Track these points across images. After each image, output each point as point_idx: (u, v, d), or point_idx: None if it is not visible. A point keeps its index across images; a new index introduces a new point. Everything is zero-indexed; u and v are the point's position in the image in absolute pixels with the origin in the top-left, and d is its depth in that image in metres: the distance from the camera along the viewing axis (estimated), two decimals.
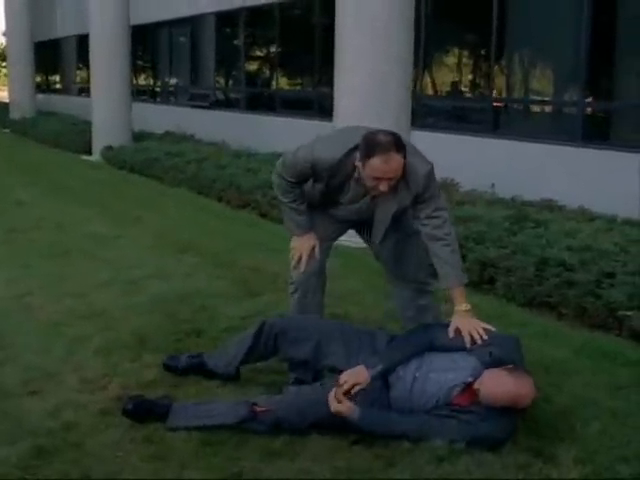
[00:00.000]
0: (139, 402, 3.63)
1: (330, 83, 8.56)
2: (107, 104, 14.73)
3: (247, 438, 3.42)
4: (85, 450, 3.34)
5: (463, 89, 12.36)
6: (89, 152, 15.34)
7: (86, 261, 6.64)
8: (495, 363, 3.44)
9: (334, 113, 7.66)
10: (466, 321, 3.67)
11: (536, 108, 11.24)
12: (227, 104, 17.83)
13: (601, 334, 4.94)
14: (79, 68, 26.79)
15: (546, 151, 9.54)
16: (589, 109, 9.78)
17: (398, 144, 3.57)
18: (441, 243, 3.76)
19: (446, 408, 3.45)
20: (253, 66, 18.13)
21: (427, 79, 12.57)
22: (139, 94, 20.66)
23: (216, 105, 17.95)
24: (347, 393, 3.40)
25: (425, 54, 11.81)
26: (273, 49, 16.62)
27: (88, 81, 17.40)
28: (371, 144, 3.56)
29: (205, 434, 3.43)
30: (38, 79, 26.66)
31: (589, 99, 9.69)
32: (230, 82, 18.77)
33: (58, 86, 30.11)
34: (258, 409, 3.48)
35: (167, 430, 3.49)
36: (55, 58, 28.90)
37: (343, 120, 7.30)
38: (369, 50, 7.18)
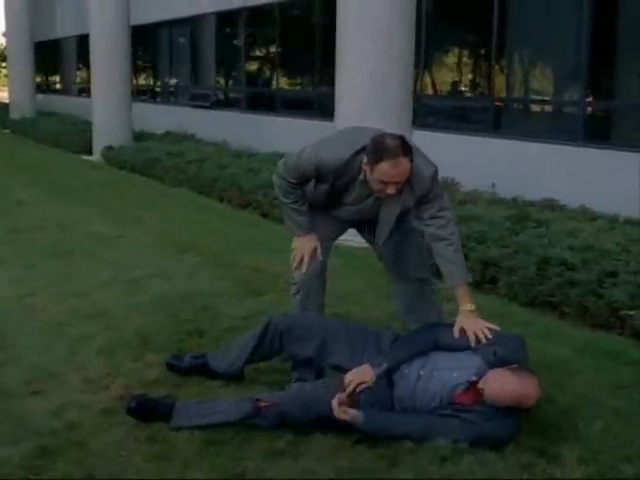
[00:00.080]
0: (142, 400, 3.64)
1: (330, 83, 8.57)
2: (107, 104, 14.74)
3: (250, 438, 3.42)
4: (89, 450, 3.34)
5: (464, 89, 12.36)
6: (89, 152, 15.35)
7: (88, 261, 6.64)
8: (499, 363, 3.44)
9: (335, 113, 7.66)
10: (471, 321, 3.68)
11: (537, 108, 11.24)
12: (228, 104, 17.83)
13: (603, 333, 4.95)
14: (79, 68, 26.80)
15: (547, 151, 9.54)
16: (590, 109, 9.78)
17: (406, 148, 3.59)
18: (445, 243, 3.77)
19: (449, 407, 3.45)
20: (254, 66, 18.13)
21: (428, 79, 12.57)
22: (139, 94, 20.66)
23: (217, 105, 17.95)
24: (352, 394, 3.40)
25: (426, 54, 11.81)
26: (273, 49, 16.63)
27: (88, 81, 17.41)
28: (379, 148, 3.57)
29: (208, 434, 3.43)
30: (38, 79, 26.64)
31: (590, 99, 9.69)
32: (231, 82, 18.77)
33: (58, 86, 30.10)
34: (262, 404, 3.48)
35: (171, 430, 3.49)
36: (55, 58, 28.89)
37: (344, 120, 7.30)
38: (370, 50, 7.18)
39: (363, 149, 3.66)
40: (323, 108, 13.42)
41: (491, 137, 10.44)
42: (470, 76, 12.36)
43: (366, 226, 4.08)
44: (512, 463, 3.23)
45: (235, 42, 17.70)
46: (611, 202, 7.96)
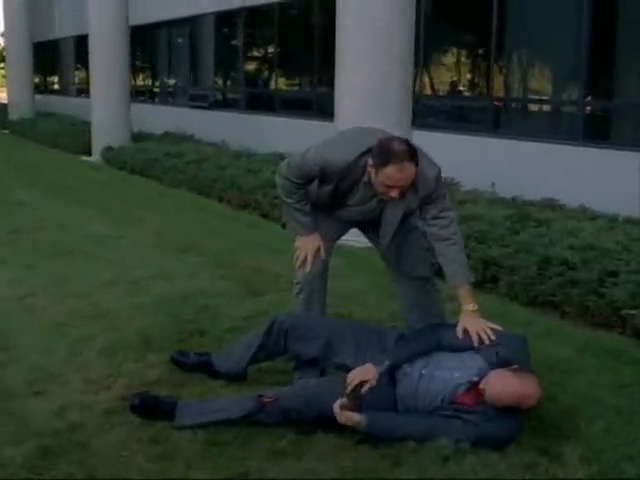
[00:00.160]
0: (145, 398, 3.65)
1: (329, 83, 8.58)
2: (106, 104, 14.72)
3: (253, 438, 3.42)
4: (91, 450, 3.34)
5: (464, 89, 12.37)
6: (88, 153, 15.34)
7: (88, 261, 6.64)
8: (501, 363, 3.45)
9: (335, 113, 7.66)
10: (474, 321, 3.68)
11: (536, 107, 11.25)
12: (226, 104, 17.83)
13: (604, 333, 4.95)
14: (77, 69, 26.79)
15: (546, 150, 9.55)
16: (589, 108, 9.79)
17: (412, 153, 3.59)
18: (448, 242, 3.78)
19: (451, 407, 3.45)
20: (252, 66, 18.13)
21: (428, 79, 12.57)
22: (138, 95, 20.65)
23: (215, 105, 17.95)
24: (354, 394, 3.40)
25: (425, 54, 11.81)
26: (272, 49, 16.62)
27: (86, 82, 17.41)
28: (386, 152, 3.58)
29: (211, 434, 3.43)
30: (36, 80, 26.63)
31: (589, 98, 9.69)
32: (229, 82, 18.77)
33: (56, 87, 30.09)
34: (265, 400, 3.49)
35: (174, 429, 3.48)
36: (53, 59, 28.89)
37: (344, 120, 7.30)
38: (370, 50, 7.18)
39: (369, 151, 3.66)
40: (322, 108, 13.44)
41: (491, 137, 10.44)
42: (470, 76, 12.37)
43: (369, 226, 4.08)
44: (514, 463, 3.23)
45: (234, 42, 17.70)
46: (611, 201, 7.96)
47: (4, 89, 29.13)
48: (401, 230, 3.96)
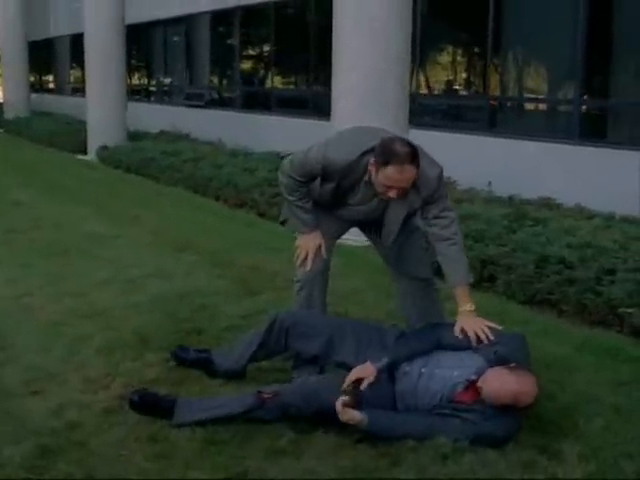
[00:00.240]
0: (145, 394, 3.66)
1: (325, 82, 8.57)
2: (102, 103, 14.69)
3: (251, 436, 3.41)
4: (89, 449, 3.34)
5: (460, 87, 12.37)
6: (84, 152, 15.31)
7: (85, 260, 6.63)
8: (500, 361, 3.45)
9: (332, 112, 7.66)
10: (472, 321, 3.69)
11: (533, 106, 11.26)
12: (222, 103, 17.82)
13: (602, 331, 4.96)
14: (72, 68, 26.74)
15: (543, 149, 9.55)
16: (586, 107, 9.79)
17: (414, 156, 3.59)
18: (448, 242, 3.78)
19: (449, 406, 3.45)
20: (248, 65, 18.12)
21: (424, 78, 12.57)
22: (133, 93, 20.61)
23: (211, 104, 17.93)
24: (354, 393, 3.40)
25: (422, 53, 11.81)
26: (268, 48, 16.61)
27: (82, 81, 17.38)
28: (388, 152, 3.58)
29: (209, 432, 3.43)
30: (31, 79, 26.57)
31: (586, 97, 9.70)
32: (225, 81, 18.75)
33: (51, 86, 30.04)
34: (265, 396, 3.49)
35: (173, 427, 3.48)
36: (48, 58, 28.83)
37: (341, 119, 7.31)
38: (367, 50, 7.19)
39: (371, 150, 3.66)
40: (318, 107, 13.44)
41: (487, 136, 10.44)
42: (466, 75, 12.38)
43: (371, 226, 4.08)
44: (513, 461, 3.24)
45: (230, 41, 17.68)
46: (607, 200, 7.98)
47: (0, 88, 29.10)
48: (403, 230, 3.95)
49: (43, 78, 30.92)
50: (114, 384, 4.00)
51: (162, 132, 16.84)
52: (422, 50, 11.76)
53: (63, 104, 24.87)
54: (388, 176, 3.59)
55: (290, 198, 3.99)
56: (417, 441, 3.33)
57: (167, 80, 21.12)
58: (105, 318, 5.07)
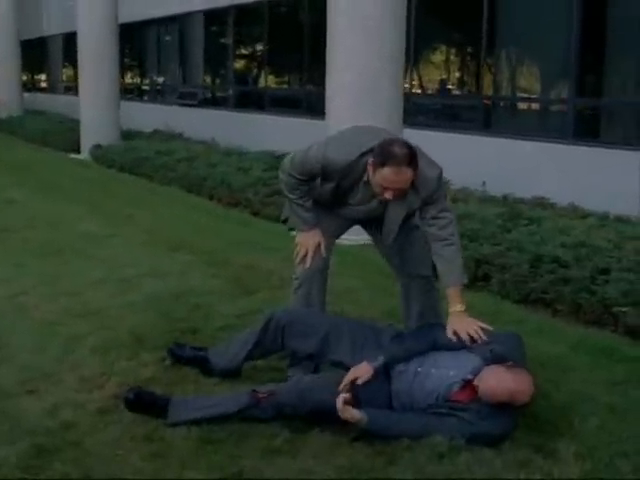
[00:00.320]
0: (140, 392, 3.65)
1: (319, 81, 8.56)
2: (95, 102, 14.66)
3: (247, 436, 3.41)
4: (85, 449, 3.33)
5: (454, 87, 12.39)
6: (77, 151, 15.28)
7: (79, 260, 6.61)
8: (496, 360, 3.46)
9: (326, 111, 7.66)
10: (464, 322, 3.70)
11: (527, 106, 11.27)
12: (216, 102, 17.80)
13: (596, 330, 4.96)
14: (65, 66, 26.69)
15: (537, 149, 9.57)
16: (580, 107, 9.80)
17: (412, 159, 3.59)
18: (445, 243, 3.80)
19: (445, 405, 3.46)
20: (242, 64, 18.11)
21: (418, 77, 12.58)
22: (126, 92, 20.59)
23: (205, 103, 17.91)
24: (352, 390, 3.40)
25: (416, 52, 11.82)
26: (262, 47, 16.60)
27: (74, 80, 17.34)
28: (386, 153, 3.58)
29: (205, 432, 3.42)
30: (24, 78, 26.50)
31: (579, 97, 9.71)
32: (219, 80, 18.73)
33: (44, 85, 29.97)
34: (260, 395, 3.49)
35: (168, 426, 3.48)
36: (41, 56, 28.77)
37: (335, 118, 7.32)
38: (362, 49, 7.19)
39: (370, 151, 3.67)
40: (312, 106, 13.45)
41: (481, 135, 10.46)
42: (460, 74, 12.39)
43: (372, 224, 4.08)
44: (509, 460, 3.24)
45: (223, 40, 17.67)
46: (601, 200, 8.00)
47: None
48: (403, 229, 3.96)
49: (36, 77, 30.85)
50: (109, 384, 3.99)
51: (155, 131, 16.81)
52: (416, 49, 11.76)
53: (56, 103, 24.81)
54: (385, 177, 3.60)
55: (290, 196, 3.99)
56: (413, 440, 3.33)
57: (160, 79, 21.10)
58: (100, 317, 5.05)
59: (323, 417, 3.44)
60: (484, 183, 9.15)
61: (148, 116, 18.61)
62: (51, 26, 26.63)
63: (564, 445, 3.34)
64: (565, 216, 7.24)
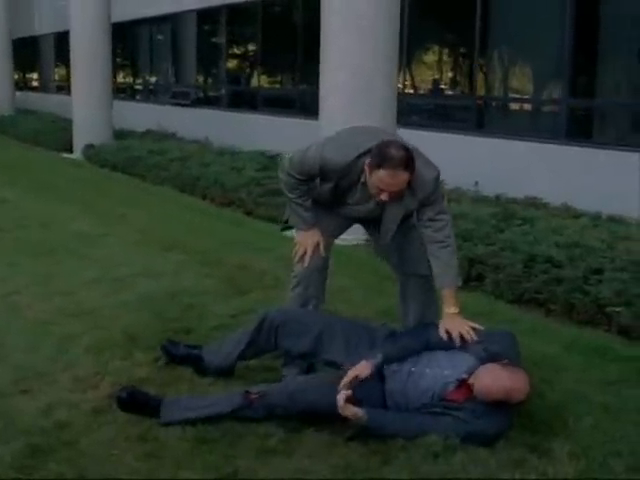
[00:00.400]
0: (133, 391, 3.65)
1: (312, 81, 8.55)
2: (88, 102, 14.62)
3: (242, 436, 3.41)
4: (79, 449, 3.32)
5: (447, 87, 12.40)
6: (70, 150, 15.24)
7: (72, 259, 6.60)
8: (491, 358, 3.47)
9: (320, 111, 7.65)
10: (456, 322, 3.72)
11: (520, 106, 11.29)
12: (209, 102, 17.78)
13: (590, 330, 4.97)
14: (57, 66, 26.64)
15: (530, 149, 9.59)
16: (572, 107, 9.83)
17: (408, 162, 3.59)
18: (440, 245, 3.81)
19: (440, 404, 3.46)
20: (235, 64, 18.09)
21: (412, 77, 12.59)
22: (119, 92, 20.55)
23: (197, 103, 17.90)
24: (351, 384, 3.41)
25: (409, 52, 11.83)
26: (255, 47, 16.59)
27: (67, 79, 17.29)
28: (382, 155, 3.58)
29: (200, 432, 3.42)
30: (15, 77, 26.43)
31: (572, 97, 9.73)
32: (212, 80, 18.72)
33: (35, 84, 29.90)
34: (252, 396, 3.49)
35: (161, 425, 3.48)
36: (33, 56, 28.70)
37: (329, 118, 7.32)
38: (355, 48, 7.18)
39: (368, 152, 3.67)
40: (305, 106, 13.45)
41: (474, 135, 10.47)
42: (453, 74, 12.40)
43: (371, 224, 4.09)
44: (504, 459, 3.25)
45: (216, 40, 17.65)
46: (593, 200, 8.02)
47: None
48: (401, 229, 3.96)
49: (27, 76, 30.77)
50: (103, 383, 3.98)
51: (148, 131, 16.78)
52: (409, 49, 11.77)
53: (48, 102, 24.76)
54: (380, 179, 3.60)
55: (290, 196, 4.00)
56: (408, 440, 3.33)
57: (153, 79, 21.07)
58: (93, 317, 5.04)
59: (315, 417, 3.45)
60: (477, 183, 9.17)
61: (141, 116, 18.58)
62: (43, 25, 26.57)
63: (558, 444, 3.35)
64: (558, 216, 7.26)
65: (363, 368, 3.48)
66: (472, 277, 5.79)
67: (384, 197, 3.67)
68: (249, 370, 4.10)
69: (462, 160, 9.90)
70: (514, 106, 11.32)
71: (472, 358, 3.51)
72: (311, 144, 3.90)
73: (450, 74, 12.49)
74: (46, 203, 9.44)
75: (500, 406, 3.39)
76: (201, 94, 18.35)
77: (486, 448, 3.31)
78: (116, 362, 4.24)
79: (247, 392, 3.54)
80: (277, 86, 16.70)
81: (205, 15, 17.57)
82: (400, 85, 10.95)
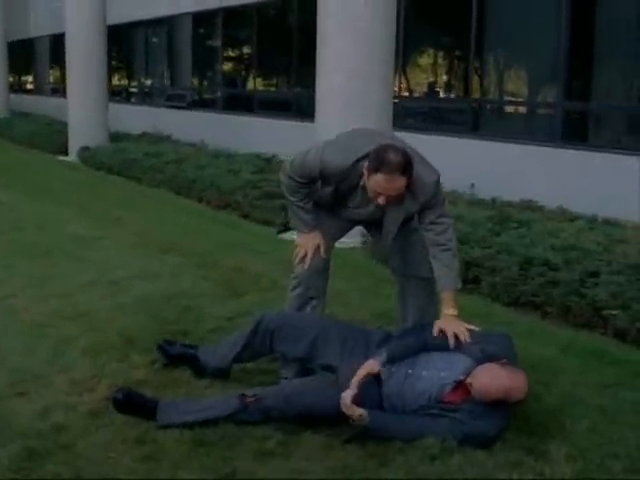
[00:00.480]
0: (129, 393, 3.65)
1: (308, 84, 8.55)
2: (83, 104, 14.61)
3: (240, 438, 3.41)
4: (76, 452, 3.32)
5: (443, 90, 12.41)
6: (65, 153, 15.22)
7: (69, 262, 6.59)
8: (488, 359, 3.48)
9: (316, 114, 7.66)
10: (453, 323, 3.72)
11: (516, 109, 11.31)
12: (204, 105, 17.78)
13: (586, 333, 4.98)
14: (52, 68, 26.61)
15: (525, 152, 9.60)
16: (568, 110, 9.85)
17: (405, 167, 3.59)
18: (442, 248, 3.82)
19: (437, 406, 3.47)
20: (231, 66, 18.09)
21: (407, 80, 12.60)
22: (114, 94, 20.52)
23: (193, 105, 17.89)
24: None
25: (405, 55, 11.84)
26: (250, 50, 16.59)
27: (61, 81, 17.25)
28: (380, 160, 3.59)
29: (197, 434, 3.42)
30: (10, 79, 26.41)
31: (568, 100, 9.75)
32: (207, 83, 18.71)
33: (30, 86, 29.86)
34: (248, 399, 3.49)
35: (158, 428, 3.47)
36: (28, 58, 28.66)
37: (325, 121, 7.33)
38: (352, 51, 7.18)
39: (366, 156, 3.68)
40: (300, 109, 13.46)
41: (470, 138, 10.48)
42: (449, 77, 12.42)
43: (372, 226, 4.11)
44: (501, 461, 3.25)
45: (212, 43, 17.65)
46: (589, 203, 8.03)
47: None
48: (403, 231, 3.97)
49: (22, 79, 30.73)
50: (100, 386, 3.98)
51: (144, 134, 16.77)
52: (405, 52, 11.79)
53: (43, 105, 24.72)
54: (377, 183, 3.61)
55: (291, 198, 4.02)
56: (405, 442, 3.34)
57: (148, 81, 21.06)
58: (90, 320, 5.04)
59: (311, 420, 3.45)
60: (473, 186, 9.18)
61: (136, 118, 18.58)
62: (38, 27, 26.53)
63: (555, 447, 3.36)
64: (554, 219, 7.26)
65: (373, 365, 3.50)
66: (468, 280, 5.78)
67: (381, 201, 3.68)
68: (246, 372, 4.11)
69: (458, 163, 9.89)
70: (510, 109, 11.34)
71: (469, 359, 3.52)
72: (312, 147, 3.91)
73: (446, 77, 12.50)
74: (42, 205, 9.42)
75: (498, 407, 3.39)
76: (197, 97, 18.34)
77: (483, 450, 3.31)
78: (113, 365, 4.24)
79: (243, 395, 3.54)
80: (273, 89, 16.70)
81: (201, 18, 17.58)
82: (396, 88, 10.95)
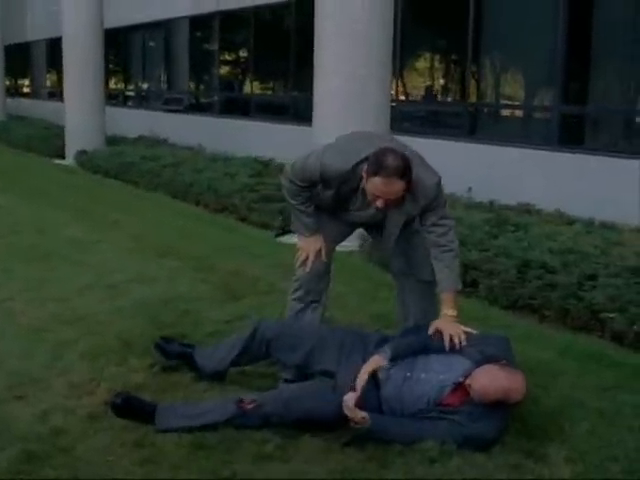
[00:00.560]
0: (127, 397, 3.64)
1: (305, 87, 8.55)
2: (80, 108, 14.60)
3: (239, 441, 3.40)
4: (75, 455, 3.31)
5: (440, 93, 12.43)
6: (62, 156, 15.21)
7: (66, 265, 6.58)
8: (487, 360, 3.48)
9: (313, 117, 7.66)
10: (450, 325, 3.72)
11: (512, 112, 11.33)
12: (201, 108, 17.78)
13: (584, 336, 4.99)
14: (49, 72, 26.60)
15: (522, 155, 9.61)
16: (565, 113, 9.86)
17: (404, 171, 3.60)
18: (443, 249, 3.84)
19: (436, 409, 3.47)
20: (227, 70, 18.10)
21: (404, 83, 12.61)
22: (111, 98, 20.52)
23: (190, 109, 17.89)
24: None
25: (402, 58, 11.85)
26: (247, 53, 16.60)
27: (58, 85, 17.24)
28: (379, 163, 3.59)
29: (196, 437, 3.41)
30: (7, 83, 26.40)
31: (564, 104, 9.76)
32: (204, 86, 18.72)
33: (26, 90, 29.84)
34: (246, 405, 3.49)
35: (157, 432, 3.47)
36: (24, 61, 28.65)
37: (322, 124, 7.33)
38: (349, 54, 7.19)
39: (366, 159, 3.69)
40: (298, 112, 13.46)
41: (467, 142, 10.49)
42: (446, 81, 12.43)
43: (373, 229, 4.13)
44: (500, 464, 3.26)
45: (209, 46, 17.66)
46: (586, 206, 8.04)
47: None
48: (404, 233, 3.98)
49: (19, 82, 30.72)
50: (99, 389, 3.97)
51: (140, 137, 16.77)
52: (403, 55, 11.79)
53: (39, 108, 24.70)
54: (376, 186, 3.62)
55: (292, 202, 4.02)
56: (405, 445, 3.34)
57: (145, 85, 21.05)
58: (88, 323, 5.03)
59: (310, 425, 3.45)
60: (470, 189, 9.19)
61: (133, 122, 18.56)
62: (35, 31, 26.52)
63: (554, 449, 3.36)
64: (551, 222, 7.28)
65: (378, 360, 3.51)
66: (466, 283, 5.76)
67: (380, 204, 3.68)
68: (244, 376, 4.11)
69: (455, 166, 9.88)
70: (506, 112, 11.36)
71: (468, 361, 3.52)
72: (312, 151, 3.92)
73: (443, 80, 12.52)
74: (39, 209, 9.41)
75: (497, 408, 3.39)
76: (194, 100, 18.35)
77: (482, 453, 3.31)
78: (111, 368, 4.23)
79: (241, 400, 3.53)
80: (270, 92, 16.71)
81: (198, 21, 17.58)
82: (393, 92, 10.96)
